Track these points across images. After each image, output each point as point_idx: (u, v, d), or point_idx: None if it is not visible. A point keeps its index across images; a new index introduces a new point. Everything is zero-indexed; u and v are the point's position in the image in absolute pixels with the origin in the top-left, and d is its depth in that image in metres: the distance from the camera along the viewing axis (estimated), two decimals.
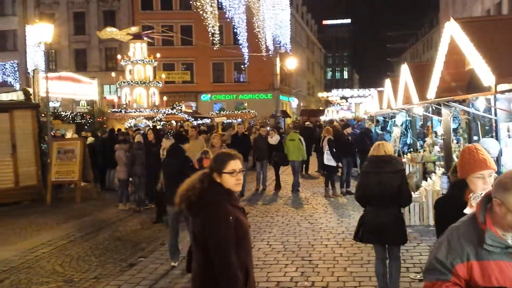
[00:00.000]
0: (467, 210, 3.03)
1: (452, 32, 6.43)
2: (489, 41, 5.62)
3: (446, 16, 35.48)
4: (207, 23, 29.90)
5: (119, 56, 33.55)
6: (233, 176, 3.28)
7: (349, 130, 14.07)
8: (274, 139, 14.76)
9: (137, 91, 31.92)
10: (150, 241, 9.13)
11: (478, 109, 7.74)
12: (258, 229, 9.62)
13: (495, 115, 7.21)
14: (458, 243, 2.42)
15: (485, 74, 5.26)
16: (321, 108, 67.08)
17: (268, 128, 18.28)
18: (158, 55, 32.93)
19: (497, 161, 6.20)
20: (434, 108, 10.04)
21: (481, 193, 2.94)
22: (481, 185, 3.17)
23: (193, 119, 31.18)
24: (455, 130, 10.75)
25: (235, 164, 3.31)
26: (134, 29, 33.14)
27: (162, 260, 7.82)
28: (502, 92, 5.54)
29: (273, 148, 14.56)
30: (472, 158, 3.21)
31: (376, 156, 5.71)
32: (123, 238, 9.35)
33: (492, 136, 7.72)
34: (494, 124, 7.41)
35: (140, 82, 31.62)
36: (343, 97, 77.05)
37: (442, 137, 10.51)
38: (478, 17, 23.32)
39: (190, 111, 38.31)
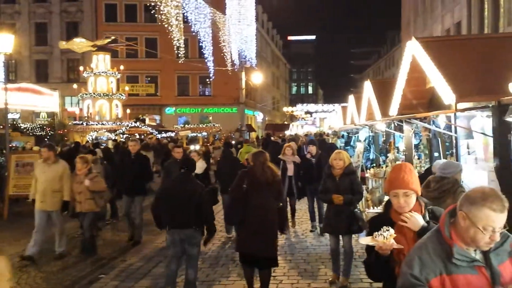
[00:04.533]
0: (362, 240, 3.12)
1: (413, 51, 6.57)
2: (449, 60, 5.76)
3: (408, 34, 36.53)
4: (172, 36, 29.79)
5: (81, 68, 33.01)
6: None
7: (313, 149, 10.79)
8: (199, 165, 9.34)
9: (100, 103, 31.41)
10: (111, 258, 8.89)
11: (439, 126, 7.92)
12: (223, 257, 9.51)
13: (455, 132, 7.39)
14: (430, 259, 2.49)
15: (445, 92, 5.37)
16: (286, 122, 67.56)
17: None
18: (121, 67, 32.55)
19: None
20: (396, 125, 10.23)
21: (388, 229, 3.01)
22: (396, 203, 3.24)
23: (157, 132, 30.84)
24: (416, 146, 10.95)
25: None
26: (106, 40, 32.70)
27: (122, 277, 7.61)
28: (462, 110, 5.68)
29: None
30: (394, 175, 3.29)
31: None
32: (83, 254, 9.07)
33: (452, 153, 7.91)
34: (454, 141, 7.59)
35: (103, 94, 31.16)
36: (307, 112, 77.85)
37: (404, 153, 10.68)
38: (438, 37, 24.06)
39: (154, 124, 37.93)
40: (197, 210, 6.12)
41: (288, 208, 10.76)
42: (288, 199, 10.68)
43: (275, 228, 6.41)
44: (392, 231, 3.01)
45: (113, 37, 34.30)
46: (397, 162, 12.14)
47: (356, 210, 6.98)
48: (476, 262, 2.47)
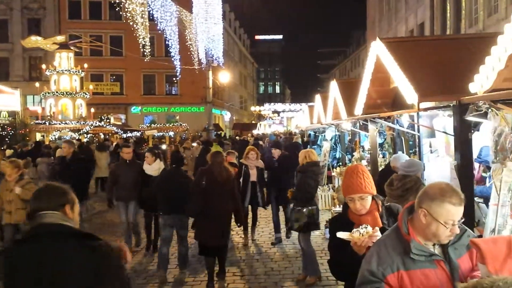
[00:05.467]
0: (340, 234, 3.15)
1: (378, 51, 6.64)
2: (412, 60, 5.84)
3: (373, 35, 37.07)
4: (137, 34, 29.33)
5: (44, 66, 32.14)
6: None
7: (276, 152, 10.15)
8: (154, 166, 8.79)
9: (63, 102, 30.67)
10: None
11: (402, 125, 8.05)
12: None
13: (418, 131, 7.53)
14: (387, 255, 2.55)
15: (408, 92, 5.46)
16: (253, 122, 67.63)
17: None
18: (85, 65, 31.85)
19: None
20: (361, 124, 10.35)
21: (366, 226, 3.04)
22: (353, 207, 3.31)
23: (122, 131, 30.38)
24: (381, 145, 11.12)
25: None
26: (60, 38, 31.90)
27: None
28: (424, 109, 5.78)
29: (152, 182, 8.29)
30: (349, 180, 3.34)
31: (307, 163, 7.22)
32: None
33: (415, 152, 8.06)
34: (417, 140, 7.74)
35: (66, 93, 30.42)
36: (275, 111, 78.13)
37: (369, 151, 10.84)
38: (402, 37, 24.46)
39: (119, 123, 37.34)
40: (188, 198, 7.08)
41: (250, 216, 9.99)
42: (250, 207, 9.79)
43: (229, 221, 7.27)
44: (370, 228, 3.03)
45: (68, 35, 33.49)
46: (363, 161, 12.34)
47: (299, 208, 7.00)
48: (434, 256, 2.54)
